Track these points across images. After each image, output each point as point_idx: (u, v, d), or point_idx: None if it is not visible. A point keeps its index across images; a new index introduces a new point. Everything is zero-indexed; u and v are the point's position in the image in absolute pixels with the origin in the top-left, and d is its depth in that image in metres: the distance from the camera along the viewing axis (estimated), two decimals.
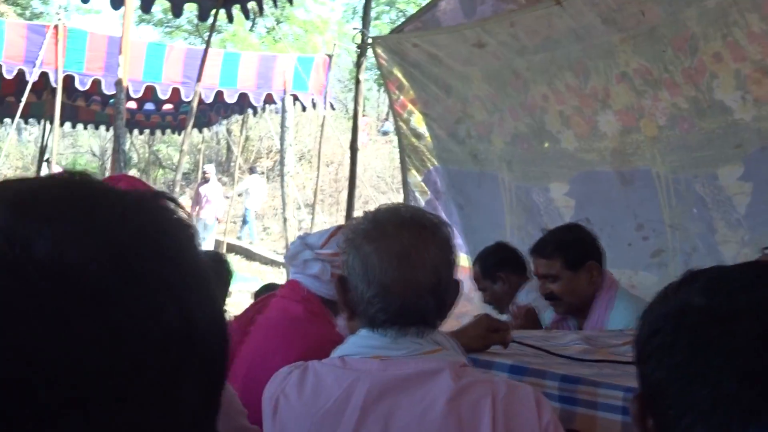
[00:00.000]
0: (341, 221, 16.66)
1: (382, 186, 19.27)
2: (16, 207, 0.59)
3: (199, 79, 9.65)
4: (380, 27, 26.01)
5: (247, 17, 8.34)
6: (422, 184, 6.68)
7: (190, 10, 8.50)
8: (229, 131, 22.89)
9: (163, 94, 13.04)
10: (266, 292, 5.23)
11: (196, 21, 20.07)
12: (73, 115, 16.32)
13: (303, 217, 17.45)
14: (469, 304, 5.37)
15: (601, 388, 2.15)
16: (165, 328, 0.60)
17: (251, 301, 7.06)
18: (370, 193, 16.33)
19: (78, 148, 31.38)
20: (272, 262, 16.33)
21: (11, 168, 25.67)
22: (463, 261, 5.88)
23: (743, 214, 4.29)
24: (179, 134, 17.99)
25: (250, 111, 15.37)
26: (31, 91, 12.13)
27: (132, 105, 14.04)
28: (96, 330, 0.56)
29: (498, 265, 4.38)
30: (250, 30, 24.45)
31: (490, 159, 6.01)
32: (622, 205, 4.96)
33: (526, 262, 4.16)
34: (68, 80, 12.19)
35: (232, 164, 21.32)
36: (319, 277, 2.64)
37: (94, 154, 30.78)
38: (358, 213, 10.05)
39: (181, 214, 0.68)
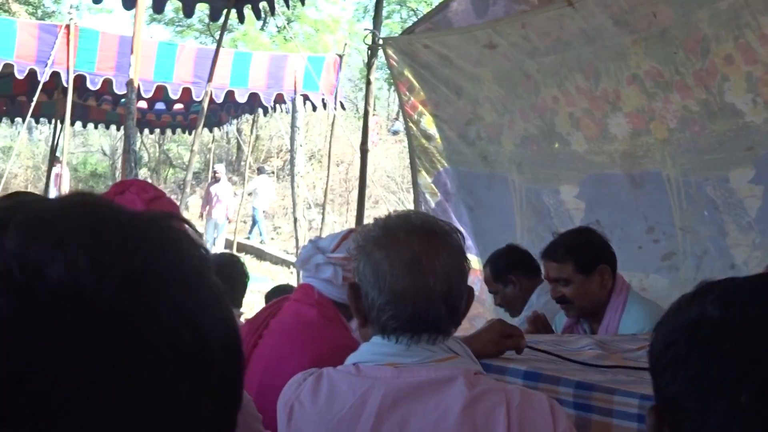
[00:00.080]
0: (351, 221, 16.67)
1: (392, 186, 19.24)
2: (28, 230, 0.59)
3: (210, 80, 9.66)
4: (391, 26, 26.01)
5: (258, 17, 8.35)
6: (432, 185, 6.68)
7: (202, 9, 8.51)
8: (239, 131, 22.91)
9: (174, 94, 13.05)
10: (277, 294, 5.26)
11: (207, 20, 20.07)
12: (84, 114, 16.37)
13: (313, 217, 17.45)
14: (481, 307, 5.37)
15: (616, 395, 2.14)
16: (179, 351, 0.60)
17: (262, 300, 7.09)
18: (380, 192, 16.31)
19: (89, 147, 31.43)
20: (283, 262, 16.34)
21: (22, 167, 25.76)
22: (474, 263, 5.89)
23: (754, 217, 4.28)
24: (189, 133, 18.02)
25: (260, 111, 15.38)
26: (42, 90, 12.14)
27: (143, 105, 14.06)
28: (110, 354, 0.56)
29: (509, 268, 4.37)
30: (261, 29, 24.47)
31: (500, 161, 6.00)
32: (633, 208, 4.95)
33: (538, 265, 4.15)
34: (79, 80, 12.21)
35: (243, 163, 21.33)
36: (331, 281, 2.65)
37: (104, 153, 30.83)
38: (368, 213, 10.05)
39: (193, 234, 0.68)
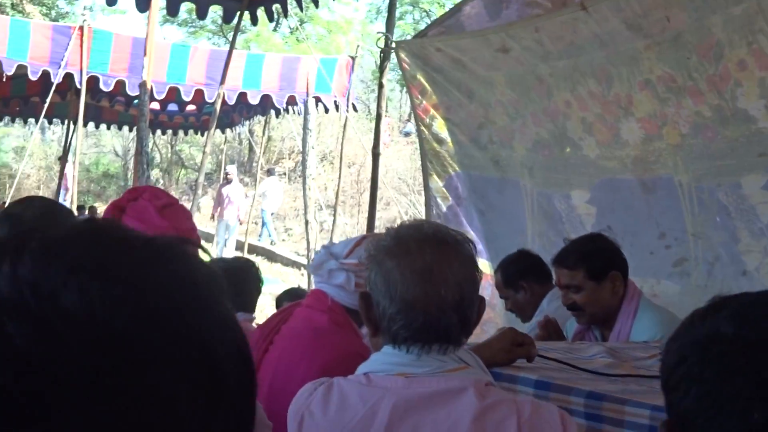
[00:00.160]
0: (363, 223, 16.68)
1: (403, 188, 19.23)
2: (42, 257, 0.59)
3: (222, 82, 9.69)
4: (403, 27, 26.01)
5: (271, 20, 8.37)
6: (444, 189, 6.67)
7: (215, 11, 8.53)
8: (251, 132, 22.95)
9: (187, 96, 13.10)
10: (288, 297, 5.27)
11: (220, 21, 20.12)
12: (96, 115, 16.46)
13: (324, 218, 17.47)
14: (492, 311, 5.37)
15: (627, 405, 2.13)
16: (192, 379, 0.60)
17: (273, 303, 7.11)
18: (391, 194, 16.31)
19: (101, 148, 31.56)
20: (294, 264, 16.36)
21: (35, 167, 25.87)
22: (485, 267, 5.88)
23: (766, 223, 4.26)
24: (202, 134, 18.09)
25: (272, 112, 15.41)
26: (55, 91, 12.21)
27: (155, 106, 14.12)
28: (123, 382, 0.56)
29: (520, 273, 4.36)
30: (274, 30, 24.49)
31: (512, 165, 5.99)
32: (644, 214, 4.94)
33: (549, 271, 4.14)
34: (92, 81, 12.28)
35: (254, 165, 21.37)
36: (344, 287, 2.65)
37: (116, 154, 30.96)
38: (379, 215, 10.04)
39: (206, 260, 0.68)
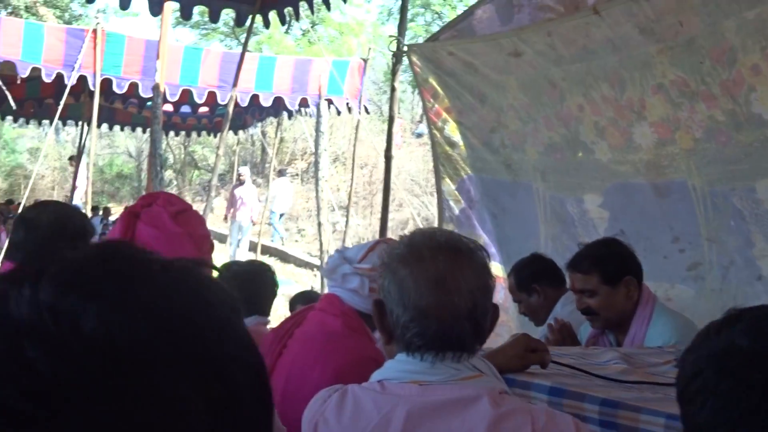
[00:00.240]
0: (375, 224, 16.68)
1: (415, 189, 19.23)
2: (62, 282, 0.60)
3: (235, 85, 9.71)
4: (415, 29, 25.98)
5: (283, 23, 8.38)
6: (456, 192, 6.67)
7: (227, 13, 8.55)
8: (263, 133, 22.98)
9: (200, 98, 13.15)
10: (302, 300, 5.28)
11: (232, 23, 20.18)
12: (110, 116, 16.53)
13: (337, 220, 17.47)
14: (505, 315, 5.36)
15: (642, 413, 2.12)
16: (210, 402, 0.60)
17: (286, 304, 7.12)
18: (403, 196, 16.31)
19: (115, 149, 31.68)
20: (307, 265, 16.38)
21: (49, 168, 26.00)
22: (497, 270, 5.88)
23: None
24: (215, 136, 18.14)
25: (284, 114, 15.45)
26: (69, 93, 12.26)
27: (168, 108, 14.15)
28: (143, 407, 0.57)
29: (533, 277, 4.36)
30: (286, 32, 24.54)
31: (524, 169, 5.99)
32: (657, 218, 4.92)
33: (563, 274, 4.13)
34: (106, 83, 12.32)
35: (267, 166, 21.39)
36: (357, 292, 2.65)
37: (130, 155, 31.06)
38: (391, 216, 10.04)
39: (221, 282, 0.69)
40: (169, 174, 25.92)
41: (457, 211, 6.67)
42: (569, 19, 5.00)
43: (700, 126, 4.50)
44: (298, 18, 8.01)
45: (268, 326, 3.92)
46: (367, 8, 27.86)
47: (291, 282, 13.33)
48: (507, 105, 5.88)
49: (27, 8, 24.38)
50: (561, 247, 5.49)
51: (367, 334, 2.68)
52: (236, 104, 10.96)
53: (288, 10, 7.96)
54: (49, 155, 24.26)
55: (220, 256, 14.87)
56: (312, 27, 22.79)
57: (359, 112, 13.59)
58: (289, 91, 13.45)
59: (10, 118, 17.38)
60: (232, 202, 16.66)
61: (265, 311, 4.17)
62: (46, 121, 16.78)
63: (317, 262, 14.98)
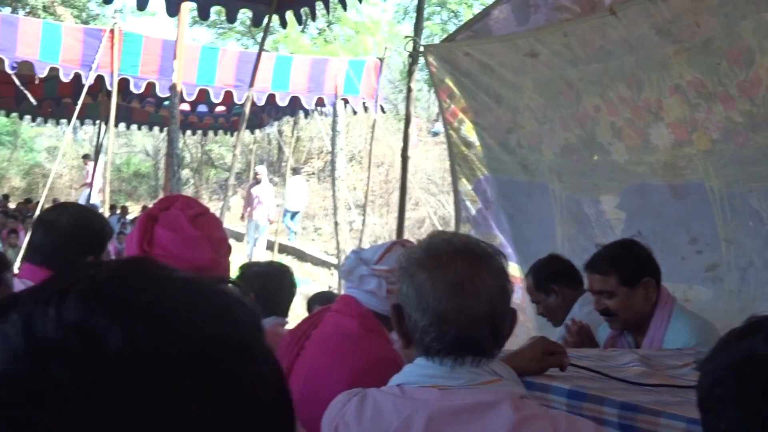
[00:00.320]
0: (392, 223, 16.68)
1: (432, 188, 19.21)
2: (86, 301, 0.60)
3: (251, 85, 9.75)
4: (431, 27, 25.95)
5: (299, 23, 8.40)
6: (472, 192, 6.67)
7: (244, 12, 8.58)
8: (280, 132, 23.04)
9: (216, 97, 13.20)
10: (319, 300, 5.29)
11: (248, 22, 20.23)
12: (127, 116, 16.62)
13: (353, 218, 17.49)
14: (523, 315, 5.35)
15: (662, 417, 2.11)
16: (235, 418, 0.61)
17: (303, 303, 7.14)
18: (419, 195, 16.30)
19: (132, 148, 31.79)
20: (324, 263, 16.40)
21: (67, 166, 26.12)
22: (514, 271, 5.87)
23: None
24: (231, 134, 18.23)
25: (301, 113, 15.47)
26: (86, 93, 12.33)
27: (185, 107, 14.22)
28: (168, 424, 0.58)
29: (551, 277, 4.35)
30: (302, 32, 24.57)
31: (541, 169, 5.98)
32: (675, 219, 4.91)
33: (581, 275, 4.12)
34: (123, 83, 12.40)
35: (283, 164, 21.44)
36: (375, 293, 2.65)
37: (147, 154, 31.17)
38: (408, 215, 10.05)
39: (243, 298, 0.69)
40: (186, 173, 25.99)
41: (473, 212, 6.66)
42: (586, 20, 4.99)
43: (718, 127, 4.48)
44: (314, 18, 8.03)
45: (286, 327, 3.93)
46: (383, 7, 27.91)
47: (308, 281, 13.35)
48: (523, 105, 5.87)
49: (45, 8, 24.51)
50: (578, 247, 5.48)
51: (384, 336, 2.68)
52: (253, 103, 11.00)
53: (304, 10, 7.98)
54: (67, 154, 24.34)
55: (237, 255, 14.89)
56: (328, 26, 22.83)
57: (375, 112, 13.60)
58: (306, 90, 13.48)
59: (28, 117, 17.50)
60: (248, 201, 16.69)
61: (284, 312, 4.19)
62: (63, 120, 16.89)
63: (334, 261, 15.00)
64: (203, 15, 8.07)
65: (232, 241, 2.62)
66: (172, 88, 9.66)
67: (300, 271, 15.14)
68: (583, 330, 3.78)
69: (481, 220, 6.60)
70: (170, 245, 2.33)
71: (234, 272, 3.98)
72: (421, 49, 6.61)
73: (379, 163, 19.45)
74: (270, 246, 16.15)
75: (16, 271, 2.99)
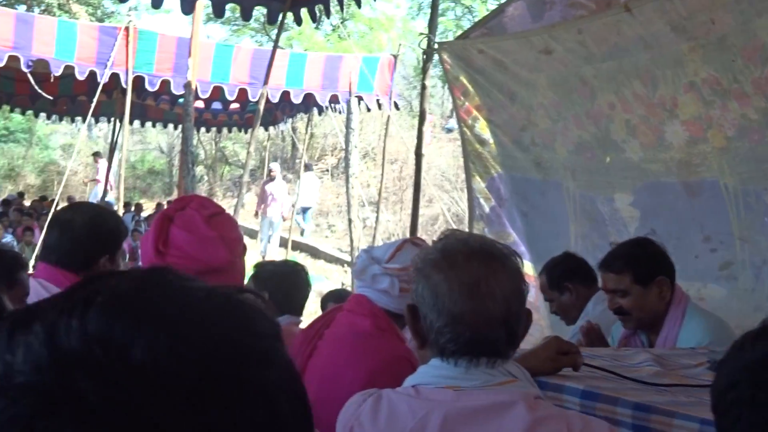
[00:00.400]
0: (405, 220, 16.66)
1: (446, 185, 19.18)
2: (109, 312, 0.61)
3: (266, 82, 9.74)
4: (445, 23, 25.90)
5: (313, 20, 8.41)
6: (486, 190, 6.66)
7: (258, 9, 8.60)
8: (294, 129, 23.05)
9: (231, 95, 13.23)
10: (333, 298, 5.30)
11: (262, 19, 20.26)
12: (142, 113, 16.68)
13: (367, 215, 17.49)
14: (536, 314, 5.35)
15: (676, 418, 2.10)
16: (255, 426, 0.62)
17: (317, 300, 7.15)
18: (433, 191, 16.29)
19: (146, 145, 31.89)
20: (337, 260, 16.41)
21: (82, 164, 26.20)
22: (527, 269, 5.87)
23: None
24: (245, 131, 18.25)
25: (315, 110, 15.49)
26: (101, 91, 12.37)
27: (200, 104, 14.26)
28: None
29: (565, 275, 4.33)
30: (316, 28, 24.57)
31: (555, 167, 5.97)
32: (689, 217, 4.89)
33: (595, 273, 4.11)
34: (138, 81, 12.43)
35: (297, 161, 21.46)
36: (388, 292, 2.65)
37: (161, 151, 31.25)
38: (422, 212, 10.05)
39: (264, 308, 0.70)
40: (200, 170, 26.06)
41: (487, 209, 6.66)
42: (600, 17, 4.98)
43: (733, 124, 4.46)
44: (328, 15, 8.04)
45: (300, 326, 3.94)
46: (397, 3, 27.72)
47: (321, 278, 13.36)
48: (537, 103, 5.86)
49: (60, 5, 24.59)
50: (591, 245, 5.47)
51: (397, 334, 2.68)
52: (267, 101, 11.01)
53: (318, 7, 7.99)
54: (82, 151, 24.42)
55: (251, 253, 14.93)
56: (342, 23, 22.80)
57: (389, 108, 13.60)
58: (320, 87, 13.49)
59: (43, 114, 17.58)
60: (262, 198, 16.72)
61: (298, 311, 4.19)
62: (78, 118, 16.96)
63: (347, 258, 15.01)
64: (218, 12, 8.10)
65: (245, 238, 2.63)
66: (187, 85, 9.67)
67: (313, 268, 15.16)
68: (592, 332, 3.76)
69: (495, 218, 6.60)
70: (185, 246, 2.34)
71: (248, 271, 4.00)
72: (436, 46, 6.60)
73: (393, 159, 19.44)
74: (283, 243, 16.17)
75: (31, 270, 3.01)
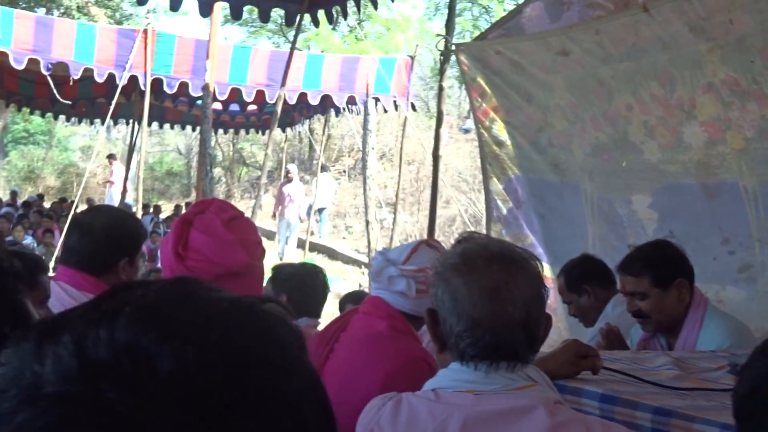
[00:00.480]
0: (423, 221, 16.65)
1: (463, 186, 19.14)
2: (137, 323, 0.62)
3: (283, 84, 9.78)
4: (462, 24, 25.88)
5: (330, 21, 8.43)
6: (503, 192, 6.65)
7: (275, 11, 8.63)
8: (311, 130, 23.09)
9: (248, 96, 13.29)
10: (352, 300, 5.30)
11: (280, 20, 20.31)
12: (160, 115, 16.77)
13: (384, 216, 17.49)
14: (554, 316, 5.33)
15: (696, 423, 2.09)
16: None
17: (335, 301, 7.16)
18: (450, 192, 16.27)
19: (165, 147, 32.02)
20: (354, 262, 16.42)
21: (100, 165, 26.34)
22: (545, 271, 5.85)
23: None
24: (263, 133, 18.30)
25: (332, 111, 15.52)
26: (120, 93, 12.45)
27: (217, 106, 14.31)
28: None
29: (583, 277, 4.32)
30: (333, 29, 24.61)
31: (572, 169, 5.95)
32: (707, 218, 4.86)
33: (613, 275, 4.09)
34: (156, 83, 12.50)
35: (314, 162, 21.48)
36: (405, 294, 2.65)
37: (180, 152, 31.35)
38: (439, 213, 10.04)
39: (288, 318, 0.70)
40: (218, 171, 26.12)
41: (504, 211, 6.65)
42: (618, 17, 4.96)
43: (752, 126, 4.44)
44: (345, 16, 8.06)
45: (318, 328, 3.95)
46: (413, 3, 27.74)
47: (339, 279, 13.37)
48: (554, 105, 5.85)
49: (79, 8, 24.72)
50: (609, 247, 5.45)
51: (413, 335, 2.68)
52: (284, 102, 11.05)
53: (335, 9, 8.01)
54: (101, 153, 24.54)
55: (269, 254, 14.94)
56: (359, 23, 22.83)
57: (406, 110, 13.60)
58: (337, 89, 13.53)
59: (63, 116, 17.70)
60: (280, 200, 16.75)
61: (316, 313, 4.20)
62: (97, 120, 17.06)
63: (365, 259, 15.02)
64: (236, 15, 8.12)
65: (263, 240, 2.64)
66: (205, 87, 9.73)
67: (330, 269, 15.17)
68: (612, 334, 3.75)
69: (512, 220, 6.59)
70: (205, 249, 2.35)
71: (266, 273, 4.02)
72: (453, 47, 6.60)
73: (410, 160, 19.44)
74: (301, 244, 16.19)
75: (51, 273, 3.03)
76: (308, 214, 17.14)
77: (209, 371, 0.60)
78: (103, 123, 14.65)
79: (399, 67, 13.69)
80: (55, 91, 12.86)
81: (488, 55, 6.19)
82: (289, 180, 16.83)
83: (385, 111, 14.47)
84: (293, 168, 17.61)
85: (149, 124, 14.85)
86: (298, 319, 3.90)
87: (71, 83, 12.57)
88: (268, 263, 4.36)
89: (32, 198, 21.11)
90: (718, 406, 2.18)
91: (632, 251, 3.68)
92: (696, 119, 4.76)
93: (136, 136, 15.40)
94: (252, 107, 15.86)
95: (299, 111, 15.97)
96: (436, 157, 6.86)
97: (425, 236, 7.35)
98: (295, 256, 15.29)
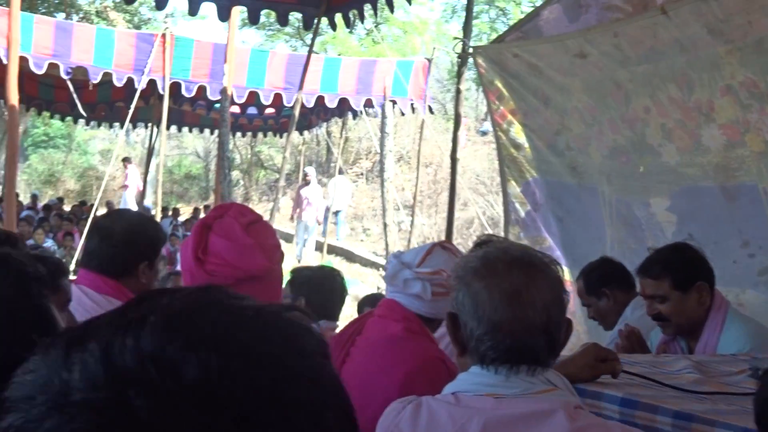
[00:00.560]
0: (441, 223, 16.66)
1: (480, 188, 19.13)
2: (163, 331, 0.62)
3: (300, 87, 9.81)
4: (479, 26, 25.82)
5: (347, 25, 8.46)
6: (521, 195, 6.65)
7: (293, 15, 8.66)
8: (329, 133, 23.14)
9: (266, 100, 13.33)
10: (370, 303, 5.31)
11: (297, 24, 20.37)
12: (179, 118, 16.85)
13: (402, 219, 17.49)
14: (573, 319, 5.32)
15: (717, 427, 2.08)
16: None
17: (353, 304, 7.17)
18: (468, 195, 16.26)
19: (183, 150, 32.11)
20: (372, 264, 16.43)
21: (120, 169, 26.48)
22: (564, 274, 5.84)
23: None
24: (280, 136, 18.37)
25: (349, 114, 15.54)
26: (139, 97, 12.53)
27: (235, 109, 14.38)
28: None
29: (603, 280, 4.30)
30: (350, 32, 24.65)
31: (590, 172, 5.93)
32: (727, 221, 4.83)
33: (633, 278, 4.07)
34: (175, 87, 12.57)
35: (332, 165, 21.53)
36: (420, 296, 2.66)
37: (198, 156, 31.46)
38: (457, 215, 10.03)
39: (312, 326, 0.71)
40: (236, 174, 26.20)
41: (522, 214, 6.64)
42: (636, 20, 4.95)
43: None
44: (362, 20, 8.08)
45: (336, 330, 3.96)
46: (431, 6, 27.74)
47: (356, 282, 13.38)
48: (571, 107, 5.84)
49: (98, 13, 24.87)
50: (628, 250, 5.43)
51: (429, 337, 2.69)
52: (302, 105, 11.08)
53: (353, 12, 8.04)
54: (120, 156, 24.71)
55: (287, 257, 14.96)
56: (376, 26, 22.86)
57: (424, 112, 13.61)
58: (354, 92, 13.56)
59: (82, 120, 17.81)
60: (298, 202, 16.79)
61: (335, 316, 4.22)
62: (117, 124, 17.16)
63: (382, 261, 15.02)
64: (253, 19, 8.16)
65: (281, 242, 2.65)
66: (223, 91, 9.78)
67: (348, 271, 15.19)
68: (633, 335, 3.73)
69: (530, 223, 6.58)
70: (224, 253, 2.36)
71: (285, 277, 4.03)
72: (470, 50, 6.60)
73: (428, 163, 19.43)
74: (319, 247, 16.21)
75: (72, 276, 3.05)
76: (325, 216, 17.18)
77: (234, 379, 0.61)
78: (122, 126, 14.75)
79: (416, 70, 13.70)
80: (75, 95, 12.94)
81: (506, 57, 6.19)
82: (306, 183, 16.86)
83: (402, 114, 14.49)
84: (311, 171, 17.65)
85: (168, 128, 14.90)
86: (316, 322, 3.92)
87: (91, 87, 12.66)
88: (287, 266, 4.38)
89: (52, 201, 21.26)
90: (739, 410, 2.17)
91: (652, 254, 3.67)
92: (714, 122, 4.74)
93: (155, 140, 15.50)
94: (270, 110, 15.91)
95: (317, 114, 16.00)
96: (454, 160, 6.87)
97: (443, 238, 7.34)
98: (313, 259, 15.32)
